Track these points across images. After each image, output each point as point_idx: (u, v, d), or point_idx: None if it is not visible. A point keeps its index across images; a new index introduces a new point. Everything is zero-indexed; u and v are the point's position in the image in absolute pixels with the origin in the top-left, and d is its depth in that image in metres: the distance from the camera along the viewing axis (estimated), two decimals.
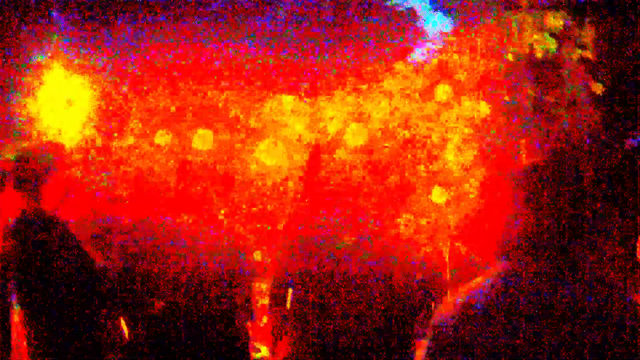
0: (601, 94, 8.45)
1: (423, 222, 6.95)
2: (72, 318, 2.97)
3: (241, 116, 7.10)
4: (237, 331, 4.18)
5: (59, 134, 6.47)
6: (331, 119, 7.20)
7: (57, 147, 3.19)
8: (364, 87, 7.30)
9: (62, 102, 6.61)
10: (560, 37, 7.98)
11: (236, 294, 4.20)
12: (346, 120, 7.19)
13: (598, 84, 8.43)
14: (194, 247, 4.10)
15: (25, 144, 4.38)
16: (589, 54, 8.16)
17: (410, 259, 5.42)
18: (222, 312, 4.14)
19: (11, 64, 10.84)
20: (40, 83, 6.68)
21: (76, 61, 7.07)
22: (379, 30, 14.35)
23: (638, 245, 2.67)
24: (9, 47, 12.20)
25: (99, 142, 6.84)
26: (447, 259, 7.50)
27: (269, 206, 6.96)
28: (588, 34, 8.10)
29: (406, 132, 7.16)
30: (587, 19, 8.14)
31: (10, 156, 3.10)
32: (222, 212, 5.15)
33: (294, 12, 15.11)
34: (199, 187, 4.18)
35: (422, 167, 7.09)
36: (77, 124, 6.71)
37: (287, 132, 7.16)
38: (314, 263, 4.04)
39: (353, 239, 4.14)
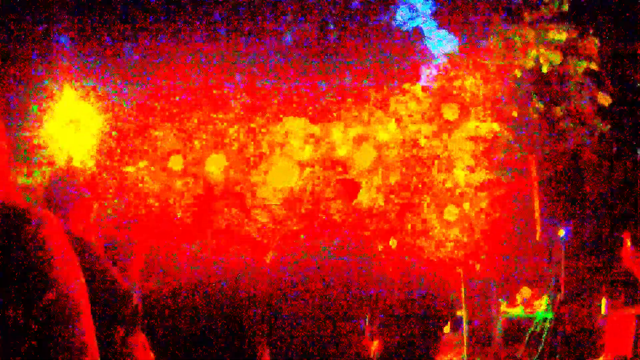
0: (608, 106, 8.47)
1: (436, 240, 6.95)
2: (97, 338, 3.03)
3: (244, 138, 7.14)
4: (252, 351, 4.21)
5: (71, 159, 6.55)
6: (340, 140, 7.22)
7: (84, 173, 3.34)
8: (372, 108, 7.31)
9: (73, 127, 6.69)
10: (564, 50, 8.00)
11: (251, 314, 4.22)
12: (355, 141, 7.21)
13: (605, 95, 8.44)
14: (212, 270, 4.15)
15: (55, 170, 4.47)
16: (594, 66, 8.17)
17: (423, 276, 5.45)
18: (235, 333, 4.17)
19: (22, 91, 11.00)
20: (51, 109, 6.76)
21: (86, 87, 7.17)
22: (385, 51, 14.45)
23: (623, 250, 2.69)
24: (20, 73, 12.39)
25: (109, 165, 6.90)
26: (461, 276, 7.50)
27: (278, 226, 6.98)
28: (592, 46, 8.12)
29: (415, 151, 7.16)
30: (591, 31, 8.16)
31: (43, 182, 3.19)
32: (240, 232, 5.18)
33: (300, 36, 15.25)
34: (225, 211, 4.25)
35: (434, 186, 7.09)
36: (89, 149, 6.79)
37: (296, 155, 7.18)
38: (320, 279, 4.07)
39: (363, 257, 4.18)
